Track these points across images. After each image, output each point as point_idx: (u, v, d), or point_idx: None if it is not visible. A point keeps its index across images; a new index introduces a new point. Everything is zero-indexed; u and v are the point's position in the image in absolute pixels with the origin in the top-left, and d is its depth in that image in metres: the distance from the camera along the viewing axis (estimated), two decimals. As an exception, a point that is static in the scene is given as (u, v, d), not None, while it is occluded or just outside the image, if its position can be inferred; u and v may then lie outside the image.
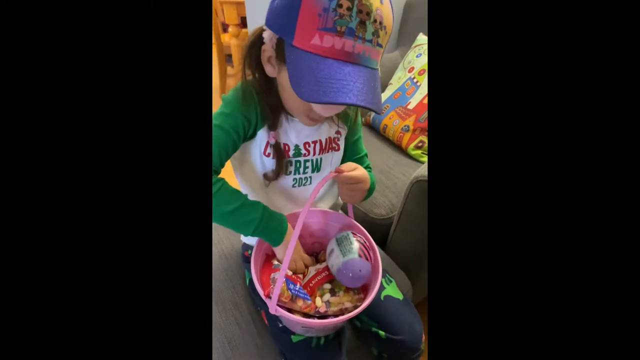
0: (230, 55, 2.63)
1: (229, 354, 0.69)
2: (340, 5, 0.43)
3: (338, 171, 0.61)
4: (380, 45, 0.47)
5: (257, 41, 0.54)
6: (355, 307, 0.60)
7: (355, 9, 0.43)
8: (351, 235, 0.63)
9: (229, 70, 2.89)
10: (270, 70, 0.55)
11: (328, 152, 0.69)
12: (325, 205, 0.75)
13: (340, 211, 0.75)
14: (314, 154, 0.66)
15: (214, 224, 0.64)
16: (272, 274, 0.59)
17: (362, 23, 0.44)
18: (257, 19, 1.60)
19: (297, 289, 0.58)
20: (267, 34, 0.52)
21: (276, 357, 0.69)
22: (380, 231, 0.97)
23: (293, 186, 0.67)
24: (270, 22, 0.50)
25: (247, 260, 0.78)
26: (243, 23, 2.41)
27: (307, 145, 0.65)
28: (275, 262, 0.62)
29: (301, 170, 0.66)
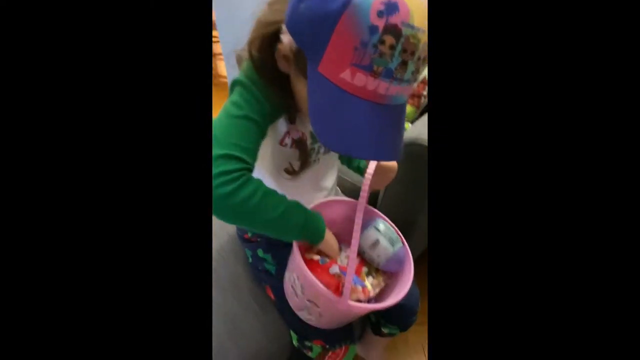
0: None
1: (232, 333, 0.68)
2: (383, 42, 0.36)
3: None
4: (417, 79, 0.42)
5: (272, 36, 0.45)
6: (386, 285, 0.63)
7: (399, 48, 0.36)
8: (385, 222, 0.64)
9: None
10: (284, 66, 0.48)
11: None
12: (330, 182, 0.73)
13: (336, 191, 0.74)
14: None
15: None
16: (330, 269, 0.57)
17: (404, 63, 0.38)
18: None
19: (356, 279, 0.57)
20: (286, 37, 0.44)
21: (283, 331, 0.69)
22: (368, 201, 0.97)
23: None
24: (293, 28, 0.41)
25: (247, 241, 0.76)
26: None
27: None
28: (316, 257, 0.60)
29: (314, 155, 0.63)
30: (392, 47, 0.36)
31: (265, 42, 0.46)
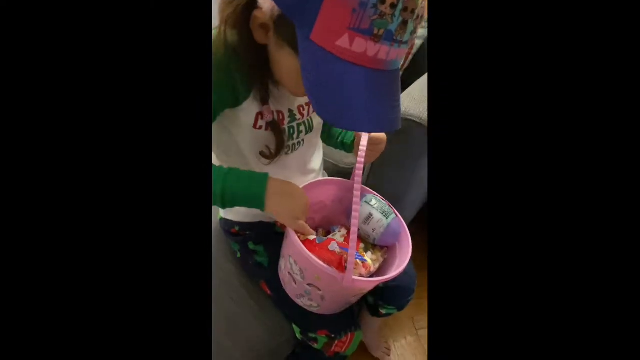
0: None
1: (231, 332, 0.64)
2: (383, 1, 0.32)
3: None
4: (413, 39, 0.39)
5: (249, 4, 0.41)
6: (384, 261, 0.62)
7: (400, 6, 0.33)
8: (375, 196, 0.63)
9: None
10: (260, 37, 0.43)
11: None
12: (317, 164, 0.69)
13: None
14: (308, 115, 0.59)
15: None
16: (329, 246, 0.55)
17: (404, 23, 0.34)
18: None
19: (356, 254, 0.56)
20: (266, 2, 0.40)
21: (284, 325, 0.66)
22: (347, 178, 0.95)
23: (286, 153, 0.59)
24: None
25: (234, 235, 0.72)
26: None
27: (301, 109, 0.57)
28: (311, 237, 0.57)
29: (295, 135, 0.58)
30: (393, 6, 0.33)
31: (241, 13, 0.41)
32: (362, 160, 0.50)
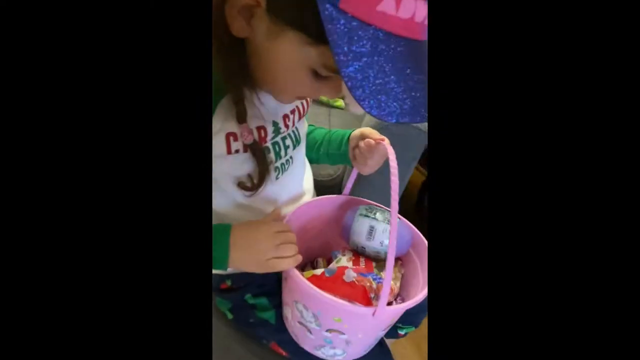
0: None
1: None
2: None
3: (382, 140, 0.49)
4: None
5: None
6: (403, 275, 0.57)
7: None
8: (370, 205, 0.56)
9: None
10: (239, 27, 0.34)
11: (301, 118, 0.53)
12: (311, 180, 0.61)
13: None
14: (293, 125, 0.50)
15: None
16: (344, 277, 0.46)
17: None
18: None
19: (374, 276, 0.50)
20: None
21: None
22: (331, 193, 0.87)
23: (277, 178, 0.49)
24: None
25: (225, 291, 0.59)
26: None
27: (286, 119, 0.48)
28: (318, 271, 0.48)
29: (282, 152, 0.48)
30: None
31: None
32: (396, 180, 0.41)
